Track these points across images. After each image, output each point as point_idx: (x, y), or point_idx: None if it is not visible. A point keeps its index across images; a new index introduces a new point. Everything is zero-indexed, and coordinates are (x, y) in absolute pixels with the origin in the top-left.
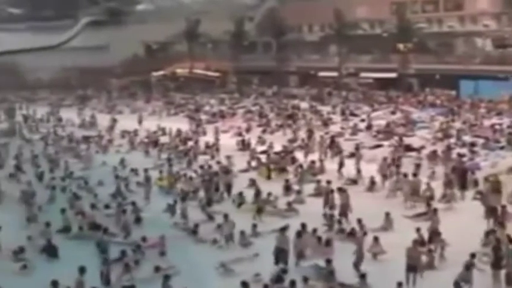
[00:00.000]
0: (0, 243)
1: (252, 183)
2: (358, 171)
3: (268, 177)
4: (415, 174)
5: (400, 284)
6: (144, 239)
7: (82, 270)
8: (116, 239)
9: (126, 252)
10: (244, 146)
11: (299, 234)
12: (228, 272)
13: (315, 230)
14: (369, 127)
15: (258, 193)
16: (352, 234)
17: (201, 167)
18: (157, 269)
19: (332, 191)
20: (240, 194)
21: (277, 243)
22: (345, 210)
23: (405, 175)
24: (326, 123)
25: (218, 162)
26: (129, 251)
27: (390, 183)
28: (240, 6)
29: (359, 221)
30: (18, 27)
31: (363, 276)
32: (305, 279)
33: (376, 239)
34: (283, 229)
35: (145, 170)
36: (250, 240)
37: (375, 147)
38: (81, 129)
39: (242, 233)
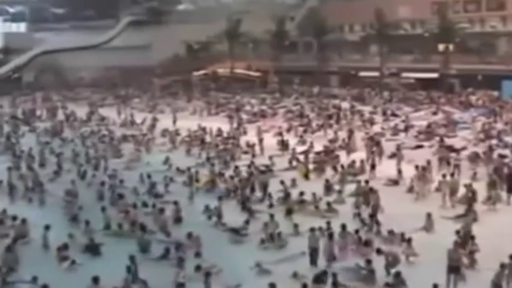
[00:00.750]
0: (47, 241)
1: (293, 183)
2: (399, 171)
3: (306, 177)
4: (452, 175)
5: (435, 286)
6: (189, 235)
7: (129, 269)
8: (159, 237)
9: (170, 249)
10: (284, 146)
11: (330, 236)
12: (264, 272)
13: (357, 231)
14: (409, 127)
15: (287, 195)
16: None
17: (236, 167)
18: (198, 267)
19: (371, 190)
20: (287, 195)
21: (309, 243)
22: (375, 211)
23: (444, 176)
24: (370, 123)
25: (251, 163)
26: (172, 249)
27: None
28: (281, 5)
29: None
30: (61, 27)
31: (397, 276)
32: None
33: (409, 240)
34: (313, 229)
35: (188, 169)
36: (288, 240)
37: (416, 148)
38: (122, 128)
39: (279, 234)
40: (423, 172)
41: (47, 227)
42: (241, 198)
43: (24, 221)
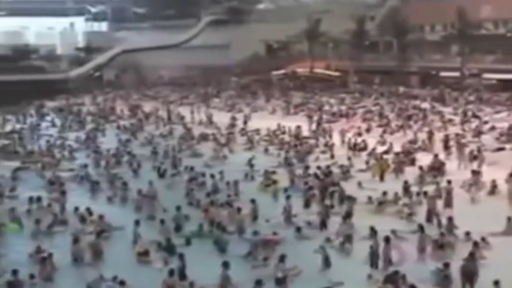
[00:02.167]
0: (137, 237)
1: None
2: (473, 173)
3: (382, 178)
4: None
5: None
6: (275, 233)
7: (226, 265)
8: (245, 235)
9: (256, 247)
10: (363, 146)
11: (387, 240)
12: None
13: (442, 234)
14: (491, 129)
15: (340, 197)
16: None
17: (306, 167)
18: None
19: (425, 193)
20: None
21: (372, 245)
22: (430, 215)
23: None
24: (457, 124)
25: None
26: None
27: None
28: (361, 5)
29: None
30: (142, 26)
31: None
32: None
33: (476, 244)
34: (375, 231)
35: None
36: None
37: (497, 150)
38: (201, 126)
39: (349, 236)
40: (477, 177)
41: (137, 222)
42: (320, 198)
43: (101, 216)
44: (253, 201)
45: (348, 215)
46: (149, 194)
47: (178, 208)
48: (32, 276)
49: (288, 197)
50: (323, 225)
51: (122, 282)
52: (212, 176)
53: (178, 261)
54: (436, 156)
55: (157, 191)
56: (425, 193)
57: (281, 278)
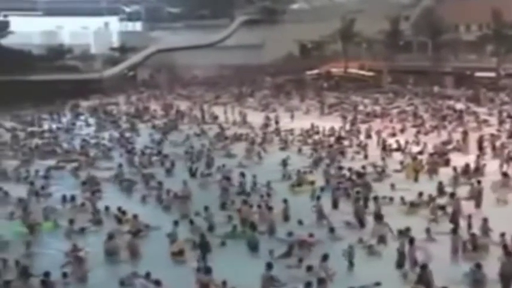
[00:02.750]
0: (175, 236)
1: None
2: (504, 175)
3: (416, 179)
4: None
5: None
6: (311, 235)
7: (269, 266)
8: (279, 236)
9: (293, 247)
10: (398, 146)
11: (411, 242)
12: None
13: (473, 235)
14: None
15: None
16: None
17: (339, 168)
18: (309, 268)
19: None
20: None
21: (399, 246)
22: (456, 217)
23: None
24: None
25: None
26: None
27: None
28: (395, 5)
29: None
30: (176, 26)
31: None
32: None
33: (505, 246)
34: (402, 232)
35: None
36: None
37: None
38: (235, 126)
39: (383, 237)
40: (508, 179)
41: (176, 222)
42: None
43: (135, 216)
44: (285, 201)
45: (377, 216)
46: (183, 194)
47: (206, 208)
48: (65, 275)
49: (318, 198)
50: (361, 224)
51: (158, 282)
52: (243, 174)
53: (201, 259)
54: (478, 157)
55: (191, 191)
56: (452, 194)
57: (323, 278)
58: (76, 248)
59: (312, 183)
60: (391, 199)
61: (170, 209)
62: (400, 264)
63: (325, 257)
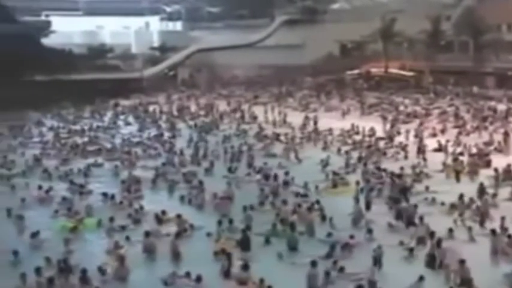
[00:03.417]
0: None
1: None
2: None
3: (458, 180)
4: None
5: None
6: (352, 236)
7: (314, 263)
8: (320, 236)
9: (335, 248)
10: (439, 147)
11: (438, 244)
12: None
13: (509, 236)
14: None
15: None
16: None
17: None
18: (341, 269)
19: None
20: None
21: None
22: (483, 218)
23: None
24: None
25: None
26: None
27: None
28: (436, 4)
29: None
30: (216, 26)
31: None
32: None
33: None
34: (433, 234)
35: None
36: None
37: None
38: (274, 126)
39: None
40: None
41: (220, 222)
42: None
43: (179, 216)
44: (318, 202)
45: (420, 218)
46: (226, 195)
47: (245, 208)
48: (103, 272)
49: (357, 200)
50: (411, 224)
51: (199, 278)
52: (287, 173)
53: (226, 259)
54: None
55: (234, 192)
56: (494, 195)
57: (375, 281)
58: (118, 245)
59: (347, 184)
60: (433, 200)
61: (208, 208)
62: (429, 265)
63: (375, 260)
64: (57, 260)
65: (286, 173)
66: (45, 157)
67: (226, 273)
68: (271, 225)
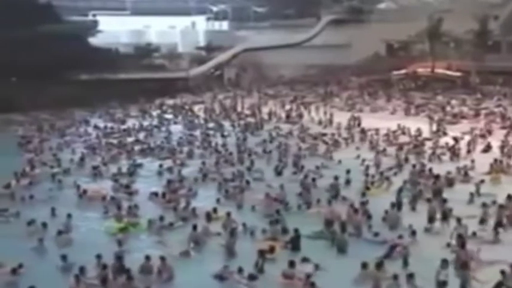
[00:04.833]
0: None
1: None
2: None
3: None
4: None
5: None
6: (400, 236)
7: (364, 265)
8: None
9: (395, 248)
10: (487, 148)
11: (462, 245)
12: None
13: None
14: None
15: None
16: None
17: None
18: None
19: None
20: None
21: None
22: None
23: None
24: None
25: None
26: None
27: None
28: (484, 4)
29: None
30: (262, 26)
31: None
32: None
33: None
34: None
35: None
36: None
37: None
38: (320, 126)
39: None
40: None
41: (271, 222)
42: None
43: (229, 214)
44: (363, 203)
45: (444, 216)
46: (279, 197)
47: (278, 212)
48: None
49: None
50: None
51: (252, 277)
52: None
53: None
54: None
55: (286, 194)
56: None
57: (443, 281)
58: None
59: (379, 186)
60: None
61: (266, 209)
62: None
63: (443, 263)
64: (114, 258)
65: (336, 178)
66: (91, 156)
67: (260, 271)
68: (323, 226)
